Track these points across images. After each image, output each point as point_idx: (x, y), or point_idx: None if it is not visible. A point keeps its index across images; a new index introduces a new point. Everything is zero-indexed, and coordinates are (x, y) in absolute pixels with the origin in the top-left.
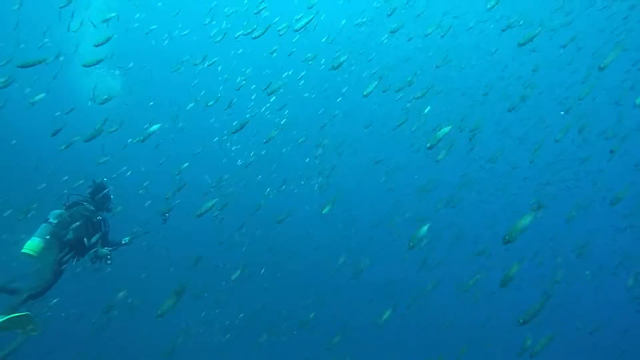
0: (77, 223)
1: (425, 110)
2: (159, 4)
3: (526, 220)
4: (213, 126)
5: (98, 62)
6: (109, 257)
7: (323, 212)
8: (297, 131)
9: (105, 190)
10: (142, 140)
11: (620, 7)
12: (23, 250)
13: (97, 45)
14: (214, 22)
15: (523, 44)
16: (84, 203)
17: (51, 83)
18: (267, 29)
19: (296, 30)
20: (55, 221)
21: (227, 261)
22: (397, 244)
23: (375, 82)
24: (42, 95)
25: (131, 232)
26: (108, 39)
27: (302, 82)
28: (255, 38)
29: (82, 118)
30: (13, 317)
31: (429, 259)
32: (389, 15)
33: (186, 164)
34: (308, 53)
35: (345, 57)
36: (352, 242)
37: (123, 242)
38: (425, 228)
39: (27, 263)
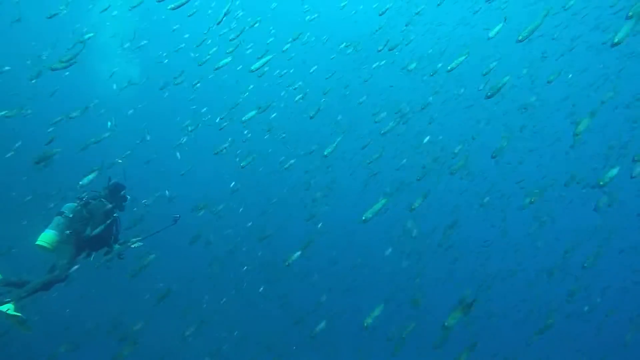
0: (99, 219)
1: (425, 140)
2: (163, 16)
3: (457, 315)
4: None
5: (66, 67)
6: (121, 253)
7: (287, 264)
8: (285, 154)
9: (124, 190)
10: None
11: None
12: (37, 243)
13: (64, 62)
14: (210, 42)
15: (490, 96)
16: (102, 199)
17: (50, 98)
18: (224, 64)
19: (252, 71)
20: (71, 215)
21: (224, 277)
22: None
23: (340, 138)
24: (29, 111)
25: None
26: (75, 56)
27: (301, 101)
28: (216, 69)
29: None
30: (7, 314)
31: (418, 293)
32: (379, 51)
33: (150, 199)
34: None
35: (323, 101)
36: (341, 274)
37: (132, 245)
38: (378, 309)
39: (39, 255)
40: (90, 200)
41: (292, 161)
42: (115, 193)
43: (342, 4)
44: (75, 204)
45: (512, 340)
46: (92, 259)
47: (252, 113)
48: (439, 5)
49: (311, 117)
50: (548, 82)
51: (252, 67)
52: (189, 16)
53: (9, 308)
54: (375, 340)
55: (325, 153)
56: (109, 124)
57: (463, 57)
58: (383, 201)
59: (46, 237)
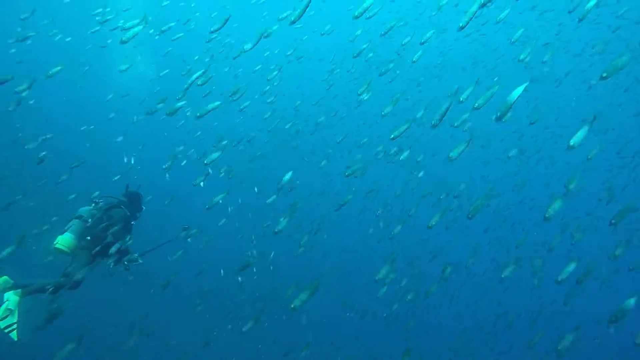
0: (117, 226)
1: (420, 174)
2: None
3: None
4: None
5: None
6: (128, 266)
7: (244, 330)
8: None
9: (141, 200)
10: None
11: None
12: (56, 246)
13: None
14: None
15: (452, 159)
16: (122, 207)
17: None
18: (180, 107)
19: (197, 117)
20: (89, 220)
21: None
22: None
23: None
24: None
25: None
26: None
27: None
28: (169, 114)
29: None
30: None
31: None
32: (359, 94)
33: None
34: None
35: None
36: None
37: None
38: None
39: (56, 258)
40: (111, 207)
41: (273, 197)
42: (134, 201)
43: (323, 32)
44: (92, 208)
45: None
46: (111, 266)
47: (215, 155)
48: (422, 43)
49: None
50: (530, 123)
51: (198, 114)
52: (172, 40)
53: (9, 301)
54: None
55: (276, 230)
56: (129, 159)
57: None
58: (308, 292)
59: (65, 240)
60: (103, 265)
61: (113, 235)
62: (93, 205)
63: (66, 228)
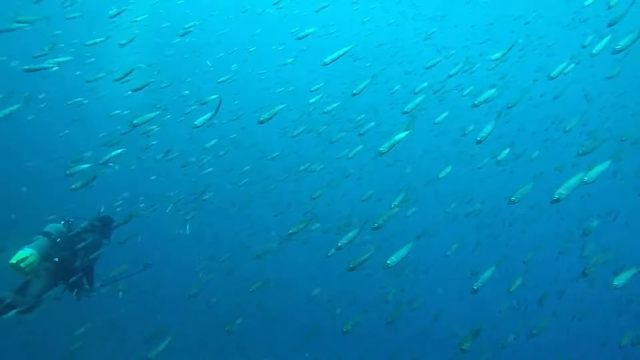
0: (90, 250)
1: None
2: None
3: None
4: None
5: None
6: (80, 295)
7: None
8: None
9: (113, 226)
10: None
11: None
12: (13, 262)
13: None
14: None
15: None
16: (94, 231)
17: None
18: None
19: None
20: (58, 239)
21: None
22: None
23: None
24: None
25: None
26: None
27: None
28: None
29: None
30: None
31: None
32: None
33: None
34: None
35: None
36: None
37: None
38: None
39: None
40: (83, 230)
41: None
42: (106, 227)
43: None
44: (61, 226)
45: None
46: (74, 293)
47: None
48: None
49: None
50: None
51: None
52: (132, 91)
53: None
54: None
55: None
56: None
57: None
58: None
59: (25, 257)
60: (60, 291)
61: (82, 259)
62: (63, 223)
63: (28, 244)
